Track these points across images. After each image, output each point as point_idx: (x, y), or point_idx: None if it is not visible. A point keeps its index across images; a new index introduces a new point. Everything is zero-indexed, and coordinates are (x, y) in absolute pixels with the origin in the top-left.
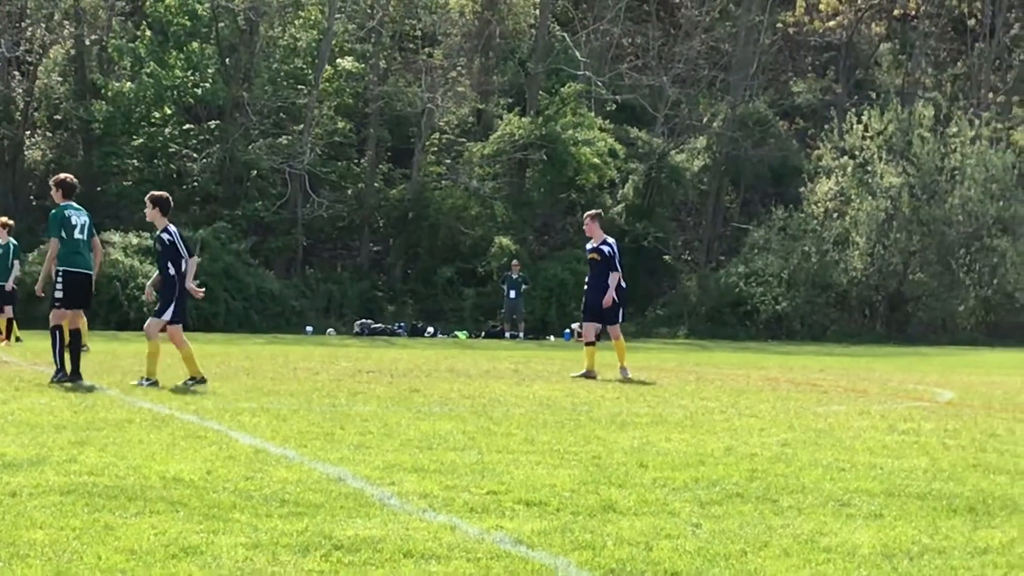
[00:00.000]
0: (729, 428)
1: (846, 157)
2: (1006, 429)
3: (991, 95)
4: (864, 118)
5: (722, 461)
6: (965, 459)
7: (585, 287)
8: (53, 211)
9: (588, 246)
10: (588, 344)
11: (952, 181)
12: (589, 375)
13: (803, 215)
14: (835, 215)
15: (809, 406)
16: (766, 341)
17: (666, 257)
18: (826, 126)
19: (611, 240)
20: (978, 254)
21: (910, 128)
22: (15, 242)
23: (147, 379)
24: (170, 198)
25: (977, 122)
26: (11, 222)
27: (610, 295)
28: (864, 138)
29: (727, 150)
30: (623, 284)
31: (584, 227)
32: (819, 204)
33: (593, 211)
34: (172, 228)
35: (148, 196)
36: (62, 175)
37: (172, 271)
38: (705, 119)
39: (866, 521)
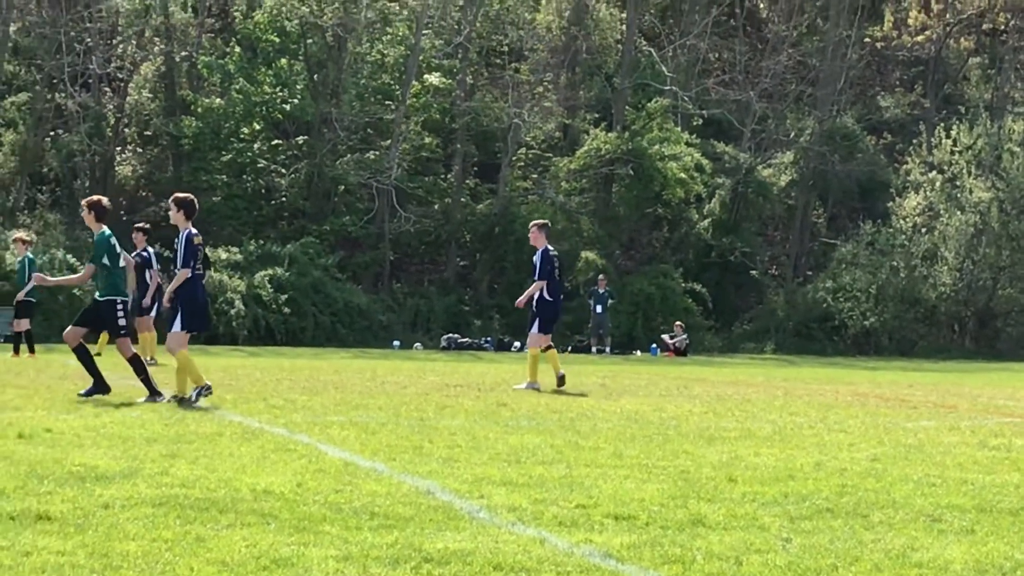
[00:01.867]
0: (818, 443)
1: (934, 172)
2: None
3: None
4: (953, 133)
5: (812, 476)
6: None
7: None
8: (99, 236)
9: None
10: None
11: None
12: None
13: (891, 230)
14: (923, 230)
15: (899, 421)
16: (854, 356)
17: (753, 272)
18: (914, 141)
19: (551, 249)
20: None
21: (999, 143)
22: (31, 256)
23: (196, 390)
24: (195, 201)
25: None
26: (28, 237)
27: (522, 299)
28: (952, 153)
29: (814, 165)
30: (548, 297)
31: (529, 235)
32: (907, 219)
33: (539, 221)
34: (192, 232)
35: (172, 198)
36: (96, 197)
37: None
38: (792, 134)
39: (958, 537)
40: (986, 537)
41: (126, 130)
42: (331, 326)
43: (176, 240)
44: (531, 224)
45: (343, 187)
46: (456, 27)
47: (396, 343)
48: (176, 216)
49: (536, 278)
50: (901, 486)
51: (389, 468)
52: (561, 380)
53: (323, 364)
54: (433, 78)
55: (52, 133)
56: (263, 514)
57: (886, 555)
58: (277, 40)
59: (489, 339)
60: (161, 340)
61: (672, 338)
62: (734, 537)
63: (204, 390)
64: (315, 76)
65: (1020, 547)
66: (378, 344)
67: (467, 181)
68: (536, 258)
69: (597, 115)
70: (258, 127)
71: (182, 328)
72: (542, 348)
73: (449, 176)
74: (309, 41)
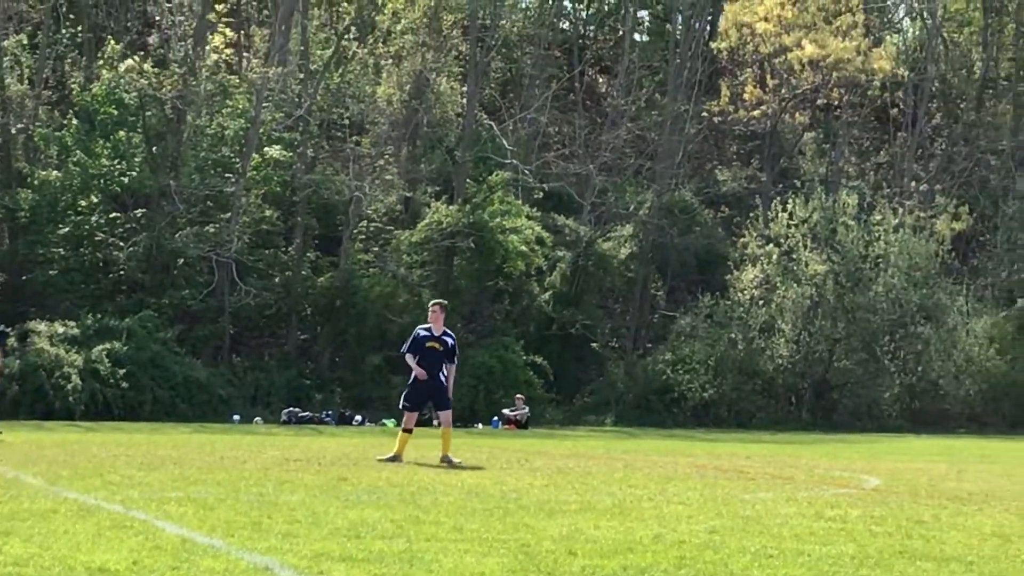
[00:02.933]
0: (658, 515)
1: (771, 245)
2: (932, 516)
3: (913, 184)
4: (789, 206)
5: (651, 548)
6: (892, 546)
7: (414, 377)
8: None
9: (429, 333)
10: (407, 431)
11: (876, 269)
12: (396, 459)
13: (729, 302)
14: (761, 302)
15: (736, 493)
16: (693, 428)
17: (593, 344)
18: (751, 214)
19: (451, 333)
20: (902, 341)
21: (834, 216)
22: None
23: None
24: None
25: (900, 210)
26: None
27: (451, 387)
28: (789, 226)
29: (653, 238)
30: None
31: (431, 314)
32: (745, 291)
33: (442, 301)
34: None
35: None
36: None
37: None
38: (631, 207)
39: None
40: None
41: None
42: (170, 400)
43: None
44: (434, 303)
45: (182, 260)
46: (296, 100)
47: (236, 417)
48: None
49: (451, 362)
50: (739, 558)
51: (227, 544)
52: (395, 458)
53: (161, 439)
54: (273, 151)
55: None
56: None
57: None
58: (115, 112)
59: (330, 413)
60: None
61: (513, 411)
62: None
63: None
64: (154, 148)
65: None
66: (218, 418)
67: (308, 254)
68: (450, 340)
69: (438, 188)
70: (96, 199)
71: None
72: (404, 428)
73: (290, 249)
74: (148, 113)
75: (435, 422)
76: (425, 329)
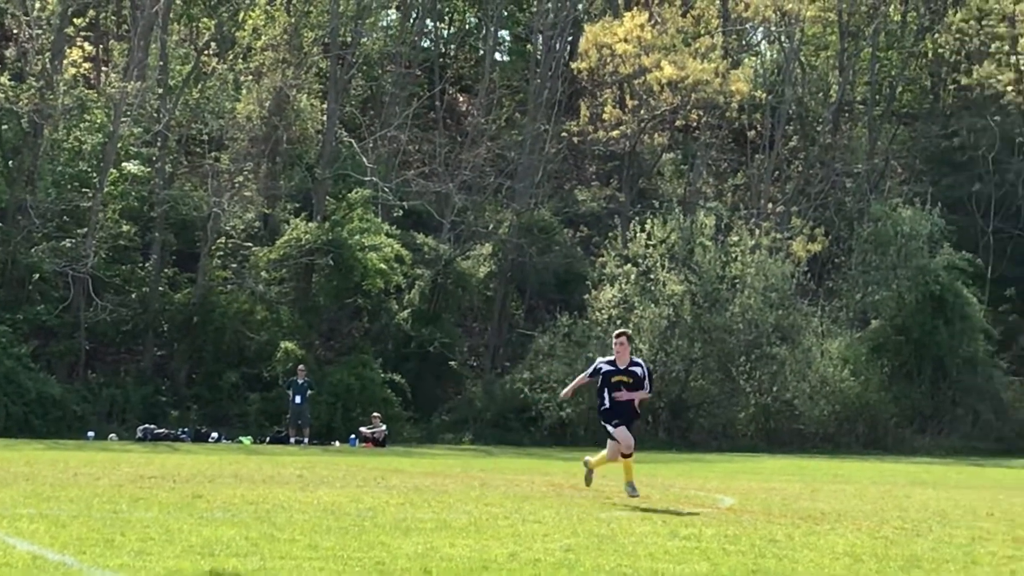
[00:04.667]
0: (513, 533)
1: (629, 265)
2: (785, 535)
3: (770, 205)
4: (647, 226)
5: (506, 567)
6: (745, 564)
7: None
8: None
9: (614, 367)
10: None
11: (733, 290)
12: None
13: (587, 322)
14: (619, 322)
15: (592, 512)
16: (551, 447)
17: (452, 363)
18: (610, 234)
19: (640, 362)
20: (758, 362)
21: (692, 237)
22: None
23: None
24: None
25: (757, 232)
26: None
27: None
28: (647, 246)
29: (512, 256)
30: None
31: (616, 346)
32: (603, 311)
33: (627, 331)
34: None
35: None
36: None
37: None
38: (491, 226)
39: None
40: None
41: None
42: (23, 417)
43: None
44: (617, 334)
45: (38, 275)
46: (155, 115)
47: (91, 434)
48: None
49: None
50: None
51: (79, 562)
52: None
53: (14, 455)
54: (131, 166)
55: None
56: None
57: None
58: None
59: (186, 430)
60: None
61: (371, 429)
62: None
63: None
64: (10, 162)
65: None
66: (72, 435)
67: (165, 270)
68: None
69: (297, 205)
70: None
71: None
72: None
73: (147, 264)
74: (4, 127)
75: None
76: (608, 362)
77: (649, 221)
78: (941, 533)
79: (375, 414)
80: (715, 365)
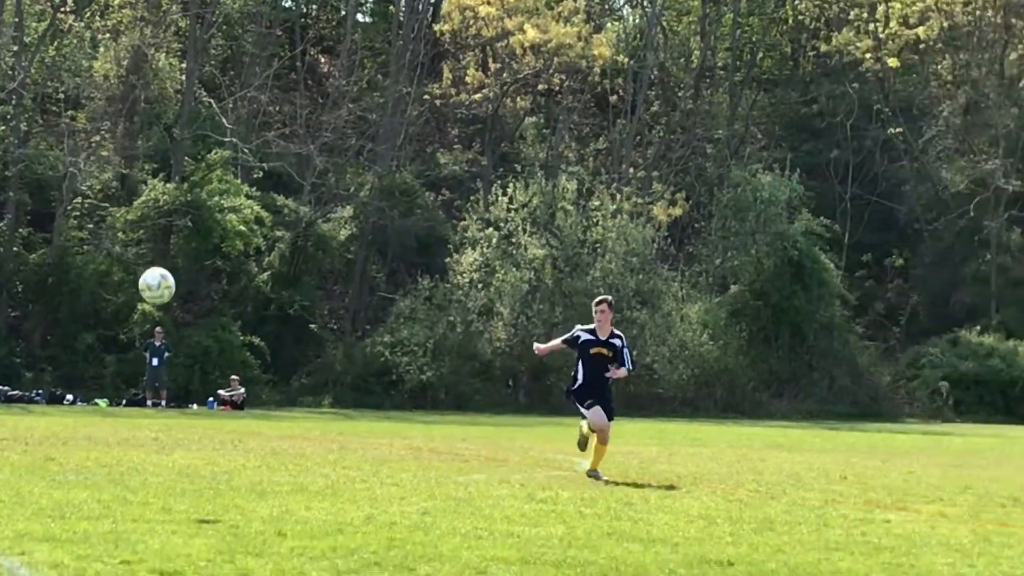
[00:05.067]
0: (370, 496)
1: (491, 228)
2: (641, 498)
3: (632, 170)
4: (509, 190)
5: (361, 530)
6: (600, 527)
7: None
8: None
9: (594, 337)
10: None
11: (594, 254)
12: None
13: (448, 285)
14: (480, 286)
15: (450, 475)
16: (411, 410)
17: (312, 326)
18: (472, 197)
19: (620, 334)
20: (618, 326)
21: (553, 201)
22: None
23: None
24: None
25: (618, 196)
26: None
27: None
28: (509, 210)
29: (374, 220)
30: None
31: (596, 314)
32: (464, 274)
33: (607, 297)
34: None
35: None
36: None
37: None
38: (352, 188)
39: None
40: None
41: None
42: None
43: None
44: (598, 301)
45: None
46: (10, 73)
47: None
48: None
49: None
50: (449, 539)
51: None
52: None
53: None
54: None
55: None
56: None
57: None
58: None
59: (40, 392)
60: None
61: (229, 392)
62: None
63: None
64: None
65: None
66: None
67: (20, 230)
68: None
69: (156, 165)
70: None
71: None
72: None
73: (1, 224)
74: None
75: None
76: (588, 331)
77: (511, 185)
78: (795, 496)
79: (233, 377)
80: None
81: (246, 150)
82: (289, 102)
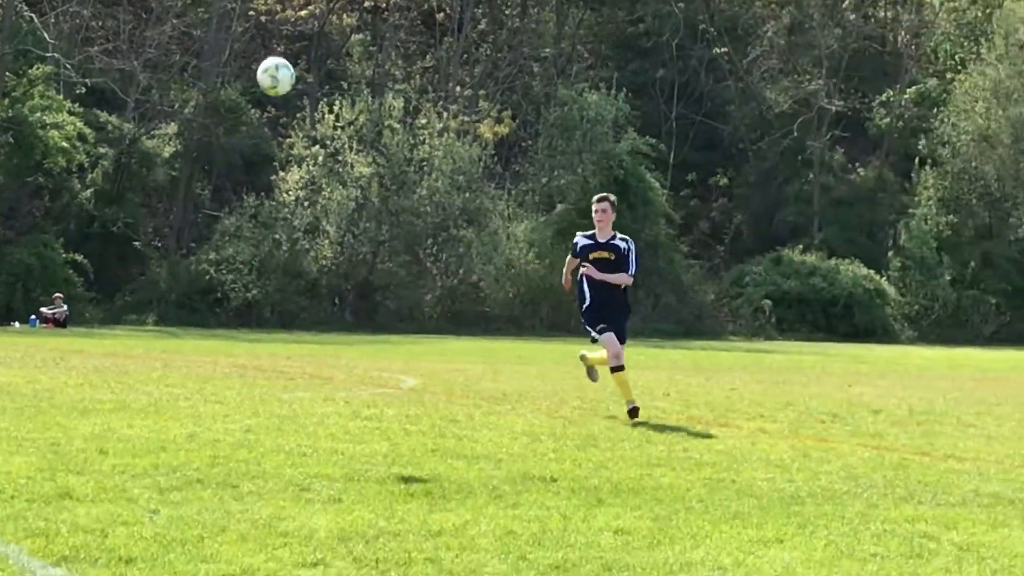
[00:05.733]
0: (193, 414)
1: (318, 146)
2: (465, 415)
3: (459, 89)
4: (335, 108)
5: (184, 447)
6: (425, 444)
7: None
8: None
9: (593, 241)
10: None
11: (420, 172)
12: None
13: (274, 203)
14: (306, 204)
15: (275, 393)
16: (236, 328)
17: (136, 243)
18: (298, 115)
19: (626, 237)
20: (445, 244)
21: (380, 119)
22: None
23: None
24: None
25: (445, 115)
26: None
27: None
28: (335, 128)
29: (199, 137)
30: None
31: (596, 214)
32: (290, 192)
33: (609, 195)
34: None
35: None
36: None
37: None
38: (177, 105)
39: (325, 506)
40: (352, 505)
41: None
42: None
43: None
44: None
45: None
46: None
47: None
48: None
49: None
50: (272, 456)
51: None
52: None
53: None
54: None
55: None
56: None
57: (253, 525)
58: None
59: None
60: None
61: (51, 310)
62: (101, 509)
63: None
64: None
65: (384, 515)
66: None
67: None
68: None
69: None
70: None
71: None
72: None
73: None
74: None
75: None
76: (587, 236)
77: (337, 102)
78: (618, 413)
79: (56, 294)
80: (402, 248)
81: (68, 65)
82: (112, 17)
